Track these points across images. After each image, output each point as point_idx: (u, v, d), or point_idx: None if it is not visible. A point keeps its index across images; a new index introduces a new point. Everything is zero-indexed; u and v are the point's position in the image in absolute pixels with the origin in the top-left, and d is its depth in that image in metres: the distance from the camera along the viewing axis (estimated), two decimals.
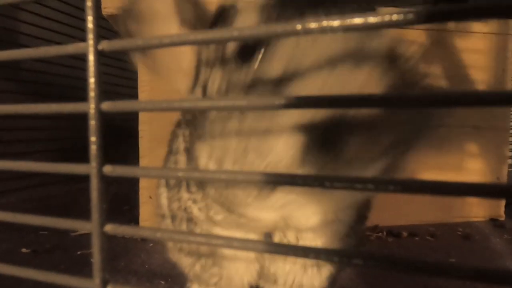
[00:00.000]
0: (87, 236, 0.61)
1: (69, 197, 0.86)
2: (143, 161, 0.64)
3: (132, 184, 0.66)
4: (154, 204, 0.63)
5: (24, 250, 0.53)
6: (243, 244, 0.16)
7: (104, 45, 0.17)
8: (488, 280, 0.12)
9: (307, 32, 0.14)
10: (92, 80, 0.17)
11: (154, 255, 0.54)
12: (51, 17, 0.92)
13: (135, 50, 0.25)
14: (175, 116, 0.65)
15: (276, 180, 0.16)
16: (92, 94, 0.17)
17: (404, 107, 0.15)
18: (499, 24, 0.72)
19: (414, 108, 0.25)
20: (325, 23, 0.13)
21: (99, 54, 0.17)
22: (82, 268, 0.48)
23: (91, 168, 0.17)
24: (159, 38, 0.16)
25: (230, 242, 0.16)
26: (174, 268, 0.49)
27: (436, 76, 0.71)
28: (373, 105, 0.15)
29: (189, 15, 0.33)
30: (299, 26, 0.14)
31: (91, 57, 0.17)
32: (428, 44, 0.71)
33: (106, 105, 0.17)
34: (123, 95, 1.23)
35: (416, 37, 0.70)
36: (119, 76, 1.09)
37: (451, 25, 0.70)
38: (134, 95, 0.68)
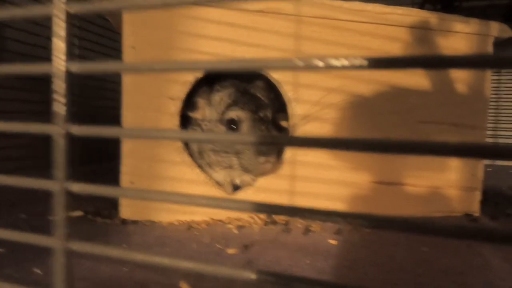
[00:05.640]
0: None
1: None
2: (126, 145, 0.64)
3: (114, 171, 0.66)
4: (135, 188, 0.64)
5: None
6: (217, 203, 0.17)
7: (74, 8, 0.17)
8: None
9: None
10: (60, 42, 0.17)
11: (133, 237, 0.54)
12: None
13: (105, 13, 0.25)
14: (161, 102, 0.65)
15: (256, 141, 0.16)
16: (61, 55, 0.17)
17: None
18: (480, 25, 0.74)
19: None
20: None
21: (68, 16, 0.17)
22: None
23: (57, 127, 0.17)
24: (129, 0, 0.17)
25: (193, 200, 0.16)
26: (152, 247, 0.50)
27: (417, 74, 0.73)
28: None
29: None
30: None
31: (60, 20, 0.17)
32: (411, 42, 0.72)
33: (75, 66, 0.17)
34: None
35: (399, 34, 0.72)
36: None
37: (433, 24, 0.72)
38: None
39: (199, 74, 0.65)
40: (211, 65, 0.17)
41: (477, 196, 0.78)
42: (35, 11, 0.18)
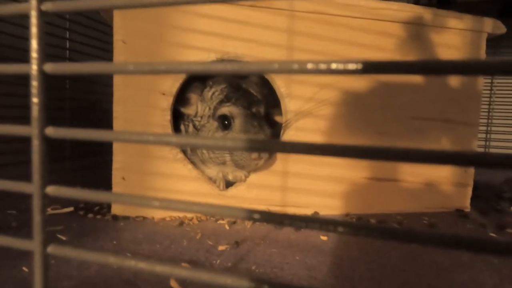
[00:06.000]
0: (56, 216, 0.61)
1: None
2: (118, 157, 0.63)
3: (107, 167, 0.66)
4: (127, 185, 0.63)
5: None
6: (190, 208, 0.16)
7: (48, 5, 0.17)
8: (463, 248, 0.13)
9: None
10: (34, 41, 0.17)
11: (124, 233, 0.54)
12: None
13: (80, 11, 0.25)
14: (152, 96, 0.65)
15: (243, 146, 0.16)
16: (34, 55, 0.17)
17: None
18: (474, 21, 0.74)
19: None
20: None
21: (43, 14, 0.17)
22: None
23: (32, 129, 0.17)
24: None
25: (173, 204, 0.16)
26: (142, 243, 0.50)
27: None
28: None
29: None
30: None
31: (34, 18, 0.17)
32: (405, 37, 0.72)
33: (49, 67, 0.17)
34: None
35: (393, 30, 0.71)
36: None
37: (427, 20, 0.72)
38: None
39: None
40: (203, 67, 0.16)
41: (468, 191, 0.79)
42: (11, 9, 0.17)
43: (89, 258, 0.17)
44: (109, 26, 0.72)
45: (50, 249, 0.17)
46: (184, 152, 0.68)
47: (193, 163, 0.68)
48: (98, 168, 0.77)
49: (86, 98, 1.10)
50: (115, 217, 0.62)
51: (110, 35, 0.63)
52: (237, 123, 0.64)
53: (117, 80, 0.63)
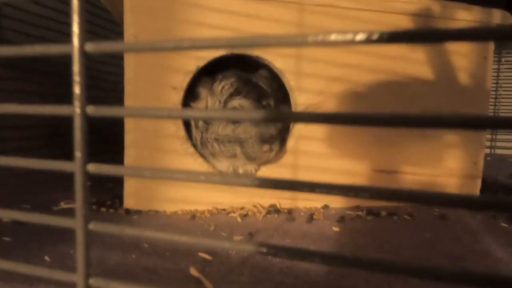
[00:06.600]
0: (70, 210, 0.61)
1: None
2: (129, 136, 0.64)
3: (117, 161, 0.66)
4: (138, 178, 0.64)
5: (5, 220, 0.53)
6: (233, 180, 0.17)
7: (91, 47, 0.17)
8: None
9: None
10: (76, 19, 0.17)
11: (138, 225, 0.54)
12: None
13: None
14: (163, 91, 0.65)
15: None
16: (75, 38, 0.17)
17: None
18: (483, 12, 0.74)
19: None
20: None
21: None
22: (63, 234, 0.47)
23: (74, 107, 0.17)
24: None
25: (210, 178, 0.16)
26: (156, 234, 0.50)
27: (419, 62, 0.73)
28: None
29: None
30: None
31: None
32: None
33: (90, 46, 0.17)
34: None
35: (402, 23, 0.71)
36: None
37: (436, 12, 0.72)
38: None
39: (201, 63, 0.65)
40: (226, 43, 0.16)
41: (478, 184, 0.79)
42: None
43: (130, 234, 0.17)
44: (116, 24, 0.73)
45: (92, 226, 0.18)
46: (194, 146, 0.68)
47: (203, 156, 0.68)
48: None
49: (93, 95, 1.10)
50: (128, 211, 0.63)
51: (115, 32, 0.63)
52: None
53: (128, 74, 0.63)
